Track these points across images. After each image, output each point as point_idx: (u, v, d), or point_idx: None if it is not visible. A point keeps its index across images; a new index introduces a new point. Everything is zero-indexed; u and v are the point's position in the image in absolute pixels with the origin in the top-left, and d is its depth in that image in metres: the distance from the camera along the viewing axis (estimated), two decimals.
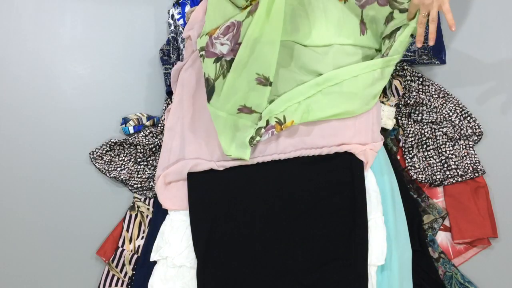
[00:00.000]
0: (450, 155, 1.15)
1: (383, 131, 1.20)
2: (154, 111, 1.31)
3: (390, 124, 1.20)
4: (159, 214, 1.17)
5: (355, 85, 1.05)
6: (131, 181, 1.22)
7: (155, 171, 1.20)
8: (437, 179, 1.14)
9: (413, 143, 1.20)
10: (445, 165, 1.15)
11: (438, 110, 1.19)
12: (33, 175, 1.28)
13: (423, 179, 1.13)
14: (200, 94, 1.16)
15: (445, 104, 1.20)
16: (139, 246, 1.18)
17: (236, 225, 1.07)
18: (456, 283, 1.09)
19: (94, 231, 1.22)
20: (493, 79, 1.24)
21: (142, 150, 1.23)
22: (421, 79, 1.21)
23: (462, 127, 1.18)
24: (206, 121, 1.15)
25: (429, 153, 1.16)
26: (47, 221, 1.24)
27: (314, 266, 1.03)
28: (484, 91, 1.23)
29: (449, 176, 1.14)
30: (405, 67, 1.23)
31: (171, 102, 1.23)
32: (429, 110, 1.18)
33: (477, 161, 1.15)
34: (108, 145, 1.25)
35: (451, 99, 1.20)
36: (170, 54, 1.31)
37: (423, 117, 1.17)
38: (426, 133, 1.16)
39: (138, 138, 1.24)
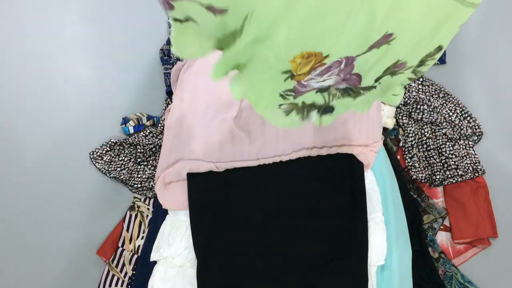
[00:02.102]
0: (450, 155, 1.15)
1: (383, 131, 1.19)
2: (154, 111, 1.31)
3: (390, 123, 1.20)
4: (159, 214, 1.17)
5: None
6: (131, 181, 1.22)
7: (155, 171, 1.20)
8: (437, 179, 1.14)
9: (413, 143, 1.19)
10: (445, 165, 1.15)
11: (438, 110, 1.19)
12: (33, 175, 1.27)
13: (423, 179, 1.13)
14: (200, 94, 1.16)
15: (445, 104, 1.20)
16: (139, 246, 1.18)
17: (236, 226, 1.07)
18: (456, 283, 1.09)
19: (94, 231, 1.22)
20: (493, 79, 1.24)
21: (142, 150, 1.23)
22: (421, 79, 1.21)
23: (462, 127, 1.17)
24: (206, 122, 1.15)
25: (429, 153, 1.16)
26: (47, 221, 1.24)
27: (314, 266, 1.03)
28: (484, 91, 1.23)
29: (449, 176, 1.14)
30: None
31: (171, 102, 1.23)
32: (430, 109, 1.18)
33: (477, 161, 1.15)
34: (108, 145, 1.25)
35: (451, 99, 1.20)
36: (170, 54, 1.31)
37: (424, 115, 1.17)
38: (426, 133, 1.16)
39: (138, 138, 1.24)
